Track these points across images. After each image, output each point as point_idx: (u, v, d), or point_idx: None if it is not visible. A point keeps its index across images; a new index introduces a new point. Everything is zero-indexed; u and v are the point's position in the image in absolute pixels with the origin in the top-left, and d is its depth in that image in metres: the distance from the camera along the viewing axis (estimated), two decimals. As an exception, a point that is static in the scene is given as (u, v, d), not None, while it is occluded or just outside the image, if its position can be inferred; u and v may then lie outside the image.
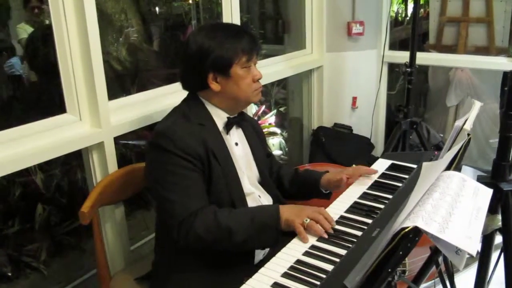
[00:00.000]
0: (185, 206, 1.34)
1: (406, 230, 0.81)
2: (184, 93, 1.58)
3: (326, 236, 1.29)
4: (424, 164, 0.80)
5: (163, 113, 1.55)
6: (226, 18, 2.35)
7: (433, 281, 1.75)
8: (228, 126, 1.51)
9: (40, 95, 2.76)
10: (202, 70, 1.44)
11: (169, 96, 2.02)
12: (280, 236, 1.35)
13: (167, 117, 1.51)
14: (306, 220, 1.32)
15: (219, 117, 1.52)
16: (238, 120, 1.55)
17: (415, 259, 1.85)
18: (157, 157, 1.41)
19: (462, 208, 0.89)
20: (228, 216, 1.35)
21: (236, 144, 1.55)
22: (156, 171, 1.41)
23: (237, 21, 2.39)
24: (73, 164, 2.87)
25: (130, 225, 2.89)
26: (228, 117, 1.52)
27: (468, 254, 0.80)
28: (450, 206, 0.88)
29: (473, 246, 0.80)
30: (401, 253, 0.87)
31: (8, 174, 1.54)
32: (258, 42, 1.53)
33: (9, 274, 2.47)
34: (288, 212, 1.36)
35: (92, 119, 1.73)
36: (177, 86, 2.06)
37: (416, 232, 0.82)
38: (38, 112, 1.75)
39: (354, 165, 1.71)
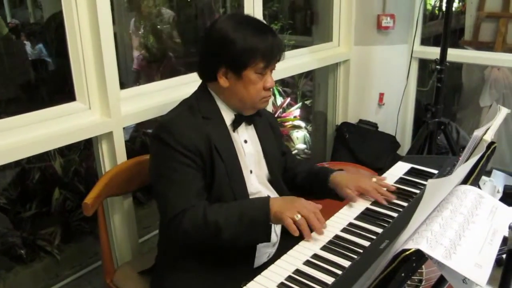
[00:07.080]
0: (177, 203, 1.29)
1: (407, 253, 0.73)
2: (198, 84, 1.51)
3: (311, 238, 1.22)
4: (430, 181, 0.71)
5: (176, 104, 1.49)
6: (248, 7, 2.26)
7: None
8: (235, 124, 1.44)
9: (60, 81, 2.76)
10: (216, 61, 1.38)
11: (184, 87, 1.96)
12: (270, 230, 1.28)
13: (174, 109, 1.45)
14: (297, 217, 1.24)
15: (227, 113, 1.45)
16: (248, 118, 1.47)
17: (433, 268, 1.75)
18: (157, 150, 1.37)
19: (475, 230, 0.79)
20: (217, 212, 1.28)
21: (245, 141, 1.48)
22: (155, 164, 1.38)
23: (259, 12, 2.30)
24: (92, 150, 2.87)
25: (146, 214, 2.88)
26: (236, 115, 1.45)
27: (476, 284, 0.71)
28: (460, 227, 0.78)
29: (483, 276, 0.71)
30: (403, 274, 0.79)
31: (25, 158, 1.51)
32: (283, 48, 1.41)
33: (24, 256, 2.49)
34: (278, 204, 1.28)
35: (102, 108, 1.70)
36: (192, 76, 2.02)
37: (419, 255, 0.74)
38: (62, 97, 1.72)
39: (375, 178, 1.49)
